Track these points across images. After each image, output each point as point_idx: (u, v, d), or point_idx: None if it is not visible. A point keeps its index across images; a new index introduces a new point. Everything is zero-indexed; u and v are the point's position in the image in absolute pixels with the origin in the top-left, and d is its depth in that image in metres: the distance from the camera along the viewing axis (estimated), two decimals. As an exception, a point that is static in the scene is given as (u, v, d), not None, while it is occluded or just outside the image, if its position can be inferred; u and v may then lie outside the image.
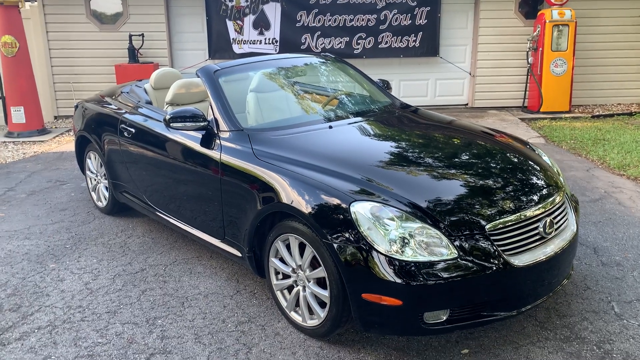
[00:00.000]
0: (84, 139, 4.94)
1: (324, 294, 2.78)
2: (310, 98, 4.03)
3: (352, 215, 2.61)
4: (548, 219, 2.84)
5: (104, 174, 4.77)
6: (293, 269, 2.97)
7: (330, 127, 3.46)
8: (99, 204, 4.94)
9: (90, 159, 4.96)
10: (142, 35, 8.89)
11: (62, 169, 6.41)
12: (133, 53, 8.77)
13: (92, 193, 5.05)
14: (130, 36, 8.74)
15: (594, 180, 5.51)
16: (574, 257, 3.11)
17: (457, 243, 2.58)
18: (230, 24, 9.04)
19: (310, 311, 2.93)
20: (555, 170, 3.42)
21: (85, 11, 8.95)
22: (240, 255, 3.34)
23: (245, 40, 9.12)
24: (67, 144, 7.64)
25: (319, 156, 3.06)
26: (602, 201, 4.90)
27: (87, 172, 5.07)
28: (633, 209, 4.69)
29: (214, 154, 3.40)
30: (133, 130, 4.15)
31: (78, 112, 5.13)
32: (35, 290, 3.58)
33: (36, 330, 3.11)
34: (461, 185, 2.87)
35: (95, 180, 4.97)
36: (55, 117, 9.34)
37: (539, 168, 3.23)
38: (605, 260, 3.75)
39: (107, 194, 4.80)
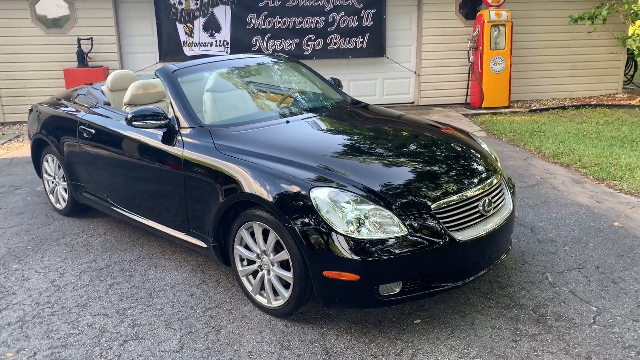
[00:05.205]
0: (40, 141, 4.96)
1: (288, 275, 3.00)
2: (267, 96, 4.24)
3: (312, 201, 2.83)
4: (487, 199, 3.15)
5: (63, 176, 4.81)
6: (257, 254, 3.18)
7: (288, 121, 3.68)
8: (58, 205, 4.97)
9: (47, 161, 4.99)
10: (91, 39, 8.84)
11: (14, 175, 6.35)
12: (82, 57, 8.71)
13: (50, 195, 5.08)
14: (79, 40, 8.68)
15: (531, 168, 5.95)
16: (511, 233, 3.44)
17: (407, 222, 2.85)
18: (180, 27, 9.11)
19: (275, 293, 3.14)
20: (494, 156, 3.76)
21: (30, 15, 8.82)
22: (205, 246, 3.51)
23: (196, 43, 9.20)
24: (17, 150, 7.54)
25: (279, 148, 3.27)
26: (538, 186, 5.32)
27: (45, 175, 5.10)
28: (566, 192, 5.13)
29: (176, 150, 3.55)
30: (93, 131, 4.23)
31: (33, 115, 5.14)
32: (1, 289, 3.63)
33: (6, 326, 3.19)
34: (409, 171, 3.15)
35: (53, 182, 5.00)
36: (2, 124, 9.15)
37: (478, 155, 3.55)
38: (540, 238, 4.13)
39: (66, 196, 4.84)
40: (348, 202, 2.84)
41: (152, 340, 2.99)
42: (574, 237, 4.11)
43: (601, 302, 3.21)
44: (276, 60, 4.66)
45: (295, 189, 2.92)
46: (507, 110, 9.36)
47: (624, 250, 3.87)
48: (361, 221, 2.80)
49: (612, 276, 3.51)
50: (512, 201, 3.47)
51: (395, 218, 2.84)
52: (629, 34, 10.06)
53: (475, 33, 9.31)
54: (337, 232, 2.78)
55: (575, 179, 5.52)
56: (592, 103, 9.68)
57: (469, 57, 9.52)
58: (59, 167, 4.82)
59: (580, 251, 3.88)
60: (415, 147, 3.50)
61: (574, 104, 9.72)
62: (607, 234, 4.15)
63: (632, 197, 4.95)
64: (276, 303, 3.13)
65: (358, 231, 2.78)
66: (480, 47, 9.26)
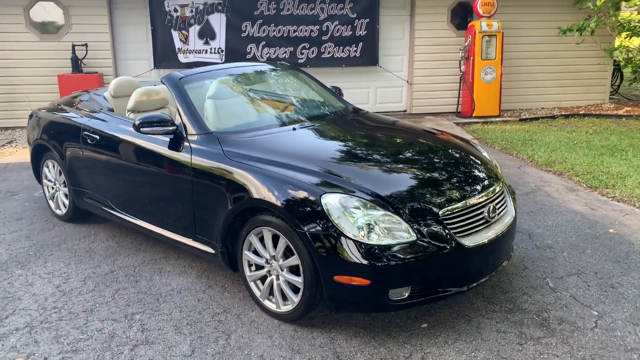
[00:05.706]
0: (41, 147, 4.96)
1: (298, 280, 3.04)
2: (272, 104, 4.29)
3: (324, 207, 2.89)
4: (491, 205, 3.23)
5: (63, 182, 4.81)
6: (266, 259, 3.22)
7: (294, 129, 3.74)
8: (58, 211, 4.96)
9: (47, 167, 4.99)
10: (86, 45, 8.83)
11: (10, 180, 6.32)
12: (76, 63, 8.69)
13: (50, 201, 5.06)
14: (74, 46, 8.67)
15: (525, 176, 6.07)
16: (513, 239, 3.53)
17: (415, 227, 2.91)
18: (175, 34, 9.14)
19: (284, 298, 3.18)
20: (494, 164, 3.85)
21: (24, 20, 8.79)
22: (212, 252, 3.54)
23: (190, 50, 9.24)
24: (11, 156, 7.50)
25: (287, 155, 3.32)
26: (533, 194, 5.43)
27: (45, 181, 5.09)
28: (560, 199, 5.24)
29: (183, 156, 3.59)
30: (97, 137, 4.25)
31: (32, 121, 5.14)
32: (6, 295, 3.63)
33: (14, 332, 3.19)
34: (415, 177, 3.22)
35: (53, 188, 4.99)
36: (-6, 129, 9.09)
37: (480, 162, 3.63)
38: (539, 244, 4.22)
39: (66, 202, 4.84)
40: (358, 208, 2.90)
41: (163, 345, 3.02)
42: (571, 244, 4.21)
43: (601, 306, 3.30)
44: (279, 68, 4.72)
45: (305, 194, 2.98)
46: (497, 119, 9.51)
47: (620, 256, 3.97)
48: (371, 226, 2.86)
49: (611, 281, 3.61)
50: (514, 208, 3.55)
51: (404, 224, 2.91)
52: (616, 46, 10.30)
53: (466, 43, 9.47)
54: (347, 238, 2.83)
55: (569, 187, 5.64)
56: (581, 113, 9.87)
57: (460, 67, 9.67)
58: (60, 172, 4.82)
59: (578, 257, 3.98)
60: (419, 153, 3.57)
61: (563, 113, 9.90)
62: (603, 241, 4.25)
63: (625, 205, 5.07)
64: (285, 308, 3.17)
65: (368, 236, 2.84)
66: (472, 57, 9.40)
